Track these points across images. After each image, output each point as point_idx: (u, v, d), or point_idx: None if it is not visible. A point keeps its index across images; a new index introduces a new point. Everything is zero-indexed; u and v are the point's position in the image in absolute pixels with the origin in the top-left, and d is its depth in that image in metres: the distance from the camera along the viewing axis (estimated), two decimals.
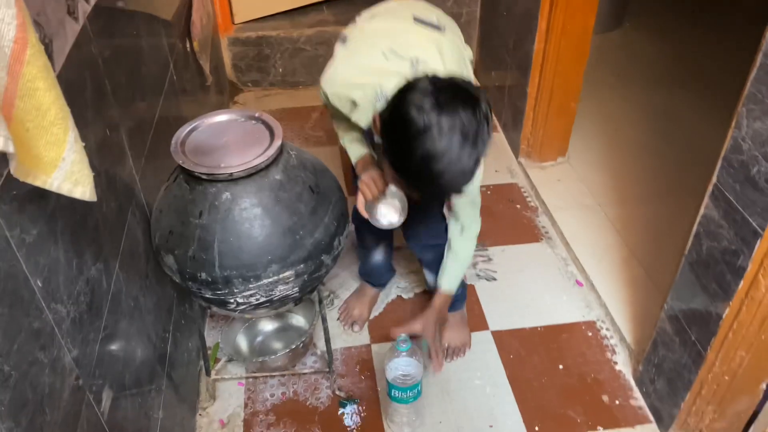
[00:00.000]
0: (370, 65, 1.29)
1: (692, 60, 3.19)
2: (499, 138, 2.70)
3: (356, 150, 1.48)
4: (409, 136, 1.03)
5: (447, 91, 1.04)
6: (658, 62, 3.19)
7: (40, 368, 0.81)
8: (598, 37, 2.31)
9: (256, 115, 1.38)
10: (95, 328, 1.02)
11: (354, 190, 1.56)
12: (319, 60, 3.00)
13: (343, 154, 1.63)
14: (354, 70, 1.33)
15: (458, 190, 1.18)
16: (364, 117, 1.31)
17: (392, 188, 1.37)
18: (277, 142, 1.30)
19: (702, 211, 1.33)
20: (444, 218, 1.63)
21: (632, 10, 3.52)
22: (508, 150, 2.62)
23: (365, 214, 1.40)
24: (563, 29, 2.17)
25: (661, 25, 3.51)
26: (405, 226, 1.48)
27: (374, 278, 1.91)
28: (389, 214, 1.40)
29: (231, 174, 1.24)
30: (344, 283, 2.03)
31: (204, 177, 1.25)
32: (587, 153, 2.54)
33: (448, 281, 1.55)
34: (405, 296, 1.99)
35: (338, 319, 1.90)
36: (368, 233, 1.76)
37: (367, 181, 1.39)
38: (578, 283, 2.02)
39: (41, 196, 0.86)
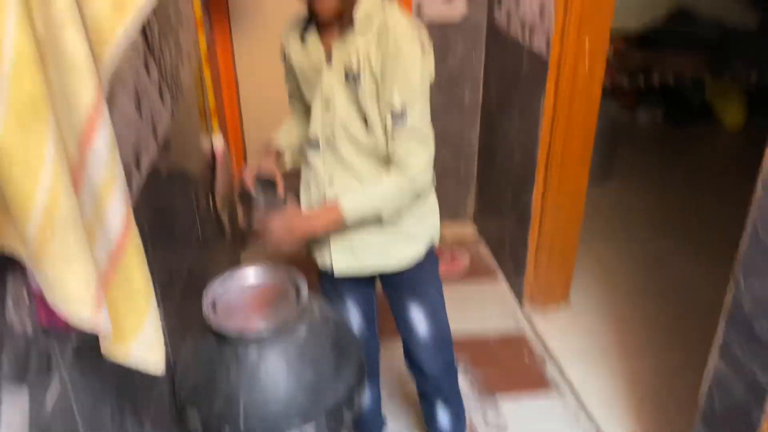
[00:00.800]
0: None
1: (676, 211, 3.38)
2: (502, 285, 2.78)
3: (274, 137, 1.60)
4: None
5: None
6: (646, 214, 3.38)
7: None
8: (591, 190, 2.48)
9: (282, 269, 1.45)
10: None
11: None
12: None
13: None
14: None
15: None
16: None
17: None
18: (304, 299, 1.37)
19: (711, 367, 1.38)
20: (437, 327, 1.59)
21: (619, 166, 3.78)
22: (511, 298, 2.70)
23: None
24: (559, 185, 2.34)
25: (647, 180, 3.75)
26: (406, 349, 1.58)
27: (365, 428, 1.88)
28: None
29: (259, 333, 1.29)
30: None
31: (232, 335, 1.30)
32: (589, 300, 2.62)
33: (350, 199, 1.36)
34: None
35: None
36: None
37: (247, 174, 1.53)
38: None
39: (98, 364, 0.91)
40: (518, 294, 2.65)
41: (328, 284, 1.64)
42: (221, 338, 1.33)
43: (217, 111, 2.40)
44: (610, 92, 3.73)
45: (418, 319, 1.58)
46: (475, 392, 2.18)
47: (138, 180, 1.25)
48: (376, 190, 1.38)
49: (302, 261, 1.58)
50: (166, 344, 1.15)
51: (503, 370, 2.29)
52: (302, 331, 1.35)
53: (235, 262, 2.71)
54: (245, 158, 3.04)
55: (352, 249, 1.50)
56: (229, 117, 2.82)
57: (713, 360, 1.37)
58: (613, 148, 3.68)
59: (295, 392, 1.30)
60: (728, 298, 1.31)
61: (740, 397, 1.29)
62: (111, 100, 0.71)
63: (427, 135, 1.36)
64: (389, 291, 1.60)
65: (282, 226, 1.40)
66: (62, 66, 0.58)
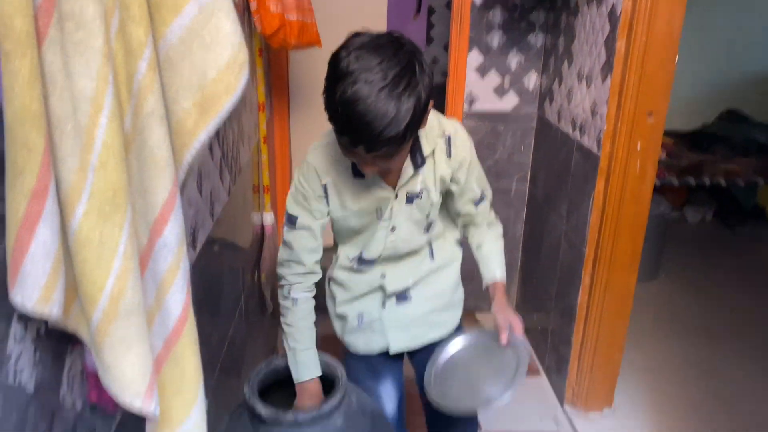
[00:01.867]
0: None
1: (728, 312, 3.26)
2: (542, 382, 2.69)
3: (304, 368, 1.41)
4: (332, 80, 1.10)
5: (377, 40, 1.10)
6: (696, 313, 3.26)
7: None
8: (636, 286, 2.42)
9: (323, 359, 1.45)
10: None
11: None
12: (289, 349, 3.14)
13: None
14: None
15: (381, 136, 1.09)
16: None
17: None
18: (341, 389, 1.35)
19: None
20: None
21: (667, 261, 3.70)
22: (552, 396, 2.60)
23: None
24: (607, 285, 2.30)
25: (694, 279, 3.65)
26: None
27: None
28: None
29: (296, 418, 1.28)
30: None
31: (269, 420, 1.29)
32: (634, 406, 2.50)
33: (500, 269, 1.52)
34: None
35: None
36: None
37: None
38: None
39: None
40: (559, 393, 2.56)
41: (362, 365, 1.61)
42: (257, 421, 1.32)
43: (270, 189, 2.47)
44: (660, 189, 3.70)
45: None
46: None
47: (192, 257, 1.29)
48: (500, 244, 1.57)
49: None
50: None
51: None
52: (338, 419, 1.33)
53: (273, 337, 2.71)
54: None
55: (407, 326, 1.55)
56: (281, 195, 2.91)
57: None
58: (662, 244, 3.61)
59: None
60: None
61: None
62: (181, 189, 0.75)
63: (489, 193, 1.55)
64: (419, 362, 1.59)
65: (513, 315, 1.46)
66: (144, 162, 0.62)
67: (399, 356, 1.62)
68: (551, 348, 2.67)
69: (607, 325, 2.35)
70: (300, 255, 1.41)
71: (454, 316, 1.62)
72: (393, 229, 1.42)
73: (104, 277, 0.58)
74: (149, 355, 0.62)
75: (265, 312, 2.45)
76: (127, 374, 0.60)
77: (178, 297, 0.68)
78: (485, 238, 1.55)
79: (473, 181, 1.46)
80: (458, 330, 1.62)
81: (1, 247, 0.57)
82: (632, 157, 2.12)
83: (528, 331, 2.98)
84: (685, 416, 2.45)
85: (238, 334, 1.88)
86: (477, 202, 1.50)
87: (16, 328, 0.59)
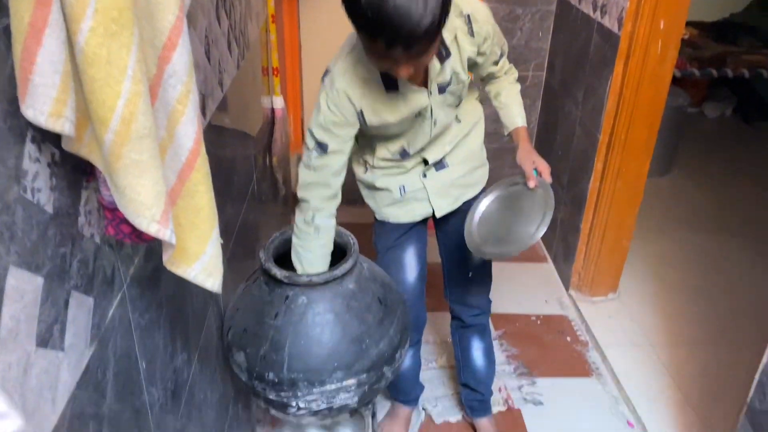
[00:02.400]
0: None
1: (739, 209, 3.25)
2: (549, 269, 2.75)
3: (312, 260, 1.38)
4: None
5: None
6: (706, 209, 3.26)
7: None
8: (648, 180, 2.41)
9: (336, 230, 1.48)
10: (174, 416, 1.06)
11: None
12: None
13: None
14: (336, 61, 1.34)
15: (418, 29, 1.05)
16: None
17: None
18: (354, 255, 1.39)
19: (765, 359, 1.33)
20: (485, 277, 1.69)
21: (681, 158, 3.66)
22: (558, 282, 2.66)
23: None
24: (619, 173, 2.28)
25: (708, 173, 3.62)
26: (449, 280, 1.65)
27: (403, 394, 1.90)
28: None
29: (310, 279, 1.32)
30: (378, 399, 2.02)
31: (285, 280, 1.33)
32: (638, 292, 2.56)
33: (521, 117, 1.55)
34: (437, 421, 1.97)
35: None
36: None
37: None
38: (629, 424, 1.98)
39: (156, 284, 0.95)
40: (566, 279, 2.61)
41: (391, 235, 1.65)
42: (273, 283, 1.36)
43: (279, 73, 2.42)
44: (680, 81, 3.59)
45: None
46: (512, 367, 2.17)
47: (203, 123, 1.28)
48: (519, 98, 1.57)
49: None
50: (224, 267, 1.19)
51: (543, 350, 2.27)
52: (350, 283, 1.37)
53: (286, 222, 2.75)
54: (302, 120, 3.07)
55: (447, 190, 1.59)
56: (290, 80, 2.85)
57: (767, 354, 1.32)
58: (678, 138, 3.56)
59: (339, 344, 1.32)
60: None
61: None
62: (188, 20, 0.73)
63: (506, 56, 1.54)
64: (443, 226, 1.66)
65: (539, 157, 1.49)
66: None
67: (424, 227, 1.66)
68: (560, 237, 2.70)
69: (616, 212, 2.36)
70: (327, 178, 1.37)
71: (485, 172, 1.66)
72: (435, 123, 1.44)
73: (114, 97, 0.57)
74: (163, 182, 0.62)
75: (277, 195, 2.47)
76: (142, 197, 0.61)
77: (189, 129, 0.67)
78: (503, 85, 1.56)
79: (495, 45, 1.45)
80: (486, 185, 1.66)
81: (9, 63, 0.56)
82: (654, 37, 2.04)
83: None
84: (687, 301, 2.51)
85: (251, 213, 1.90)
86: (497, 61, 1.51)
87: (30, 147, 0.59)
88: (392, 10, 1.02)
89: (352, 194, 3.25)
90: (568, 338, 2.34)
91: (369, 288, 1.41)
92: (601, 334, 2.30)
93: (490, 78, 1.57)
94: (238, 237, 1.66)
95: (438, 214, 1.61)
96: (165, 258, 0.71)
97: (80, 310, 0.69)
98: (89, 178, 0.70)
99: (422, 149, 1.51)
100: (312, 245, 1.38)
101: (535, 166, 1.46)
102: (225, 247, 1.51)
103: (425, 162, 1.54)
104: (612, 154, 2.27)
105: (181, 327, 1.10)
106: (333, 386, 1.33)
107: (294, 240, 1.39)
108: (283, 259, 1.46)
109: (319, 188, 1.37)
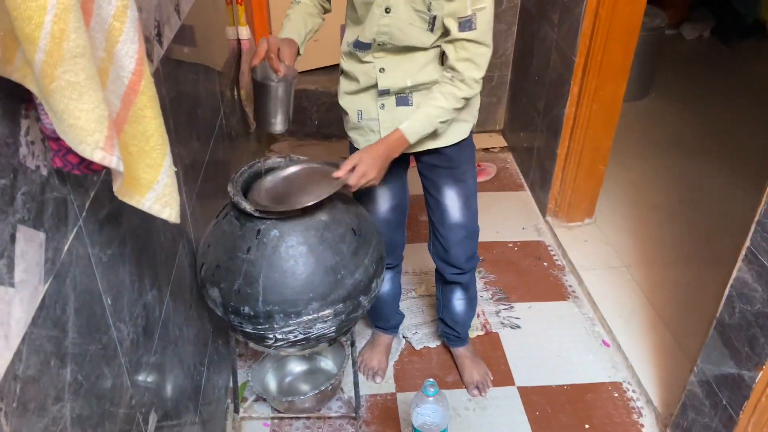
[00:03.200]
0: None
1: (716, 131, 3.26)
2: (526, 196, 2.75)
3: (284, 33, 1.45)
4: None
5: None
6: (683, 132, 3.26)
7: (104, 382, 0.85)
8: (625, 105, 2.38)
9: (309, 160, 1.45)
10: (147, 351, 1.06)
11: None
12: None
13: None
14: None
15: None
16: None
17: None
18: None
19: (735, 273, 1.36)
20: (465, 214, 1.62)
21: (658, 81, 3.63)
22: (535, 208, 2.67)
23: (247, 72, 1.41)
24: (594, 95, 2.25)
25: (685, 95, 3.60)
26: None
27: (383, 321, 1.92)
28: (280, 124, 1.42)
29: (281, 212, 1.30)
30: (358, 329, 2.04)
31: (255, 214, 1.30)
32: (614, 216, 2.58)
33: (408, 125, 1.40)
34: (416, 347, 2.00)
35: (359, 371, 1.89)
36: None
37: (262, 45, 1.36)
38: (605, 343, 2.03)
39: (116, 219, 0.92)
40: (543, 206, 2.62)
41: None
42: (244, 218, 1.34)
43: (243, 1, 2.31)
44: (658, 1, 3.51)
45: (453, 203, 1.60)
46: (490, 292, 2.20)
47: (159, 53, 1.22)
48: (433, 112, 1.40)
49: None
50: (182, 197, 1.17)
51: (521, 275, 2.29)
52: (323, 215, 1.36)
53: (258, 155, 2.70)
54: None
55: None
56: (257, 9, 2.74)
57: (737, 268, 1.34)
58: (655, 61, 3.51)
59: (314, 275, 1.32)
60: (761, 204, 1.26)
61: (762, 305, 1.27)
62: None
63: (488, 48, 1.35)
64: (427, 173, 1.60)
65: (369, 164, 1.37)
66: None
67: (405, 158, 1.56)
68: (536, 164, 2.69)
69: (592, 136, 2.35)
70: None
71: (459, 128, 1.52)
72: (387, 10, 1.34)
73: (40, 12, 0.53)
74: (104, 106, 0.59)
75: (248, 131, 2.41)
76: (82, 122, 0.57)
77: (129, 48, 0.63)
78: (440, 89, 1.40)
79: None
80: (461, 147, 1.55)
81: None
82: None
83: (515, 149, 2.99)
84: (662, 222, 2.54)
85: (220, 148, 1.86)
86: (462, 26, 1.30)
87: None
88: None
89: (329, 129, 3.20)
90: (545, 263, 2.37)
91: (342, 219, 1.40)
92: (578, 258, 2.33)
93: (445, 58, 1.38)
94: (207, 173, 1.63)
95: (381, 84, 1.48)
96: (115, 187, 0.68)
97: (30, 245, 0.66)
98: (28, 106, 0.66)
99: (382, 65, 1.43)
100: (292, 11, 1.48)
101: (356, 166, 1.36)
102: (193, 183, 1.48)
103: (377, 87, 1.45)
104: (588, 77, 2.23)
105: (149, 263, 1.08)
106: (309, 317, 1.33)
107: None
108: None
109: None
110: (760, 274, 1.27)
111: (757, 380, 1.31)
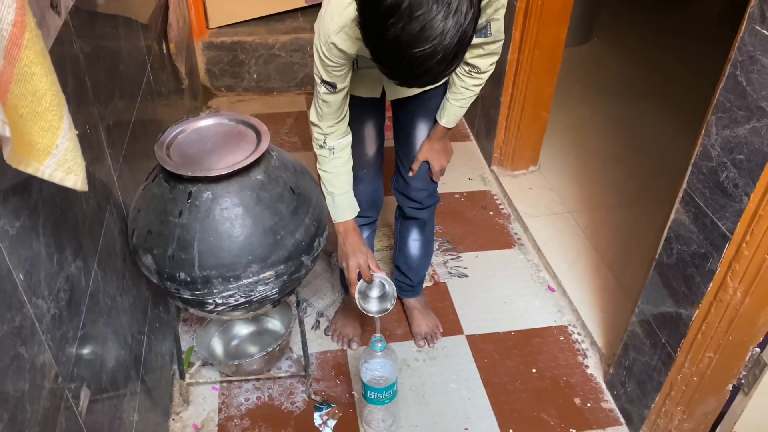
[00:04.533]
0: None
1: (657, 73, 3.30)
2: (471, 146, 2.74)
3: (342, 211, 1.46)
4: (379, 15, 0.92)
5: None
6: (625, 75, 3.29)
7: (21, 364, 0.79)
8: (567, 50, 2.37)
9: (243, 118, 1.38)
10: (74, 326, 1.00)
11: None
12: (294, 67, 3.00)
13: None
14: (336, 7, 1.17)
15: (440, 77, 1.01)
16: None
17: (379, 276, 1.44)
18: (264, 145, 1.30)
19: (672, 216, 1.38)
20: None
21: (600, 25, 3.63)
22: (480, 158, 2.66)
23: (355, 298, 1.44)
24: (536, 41, 2.23)
25: (627, 40, 3.62)
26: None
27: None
28: (379, 304, 1.46)
29: (210, 174, 1.23)
30: (318, 290, 2.03)
31: (185, 176, 1.24)
32: (558, 162, 2.60)
33: (446, 119, 1.53)
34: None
35: (332, 339, 1.87)
36: None
37: (353, 271, 1.44)
38: (550, 288, 2.06)
39: (24, 188, 0.85)
40: (488, 155, 2.61)
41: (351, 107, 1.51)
42: (174, 180, 1.27)
43: None
44: None
45: (421, 135, 1.59)
46: (437, 243, 2.20)
47: (68, 4, 1.12)
48: (464, 103, 1.50)
49: None
50: (107, 159, 1.09)
51: (467, 225, 2.30)
52: (258, 174, 1.30)
53: (192, 111, 2.59)
54: (204, 2, 2.82)
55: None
56: None
57: (675, 210, 1.36)
58: (596, 5, 3.51)
59: (252, 236, 1.27)
60: (697, 147, 1.27)
61: (698, 246, 1.30)
62: None
63: (501, 41, 1.38)
64: (401, 106, 1.58)
65: (438, 157, 1.60)
66: None
67: (382, 103, 1.57)
68: (481, 114, 2.66)
69: (535, 83, 2.33)
70: (339, 105, 1.34)
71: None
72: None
73: None
74: None
75: (180, 87, 2.30)
76: None
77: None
78: (461, 82, 1.46)
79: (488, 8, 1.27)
80: None
81: None
82: None
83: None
84: (604, 167, 2.57)
85: (149, 107, 1.76)
86: (476, 34, 1.27)
87: None
88: (421, 68, 0.96)
89: (268, 83, 3.10)
90: (491, 212, 2.38)
91: (279, 177, 1.34)
92: (523, 206, 2.35)
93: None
94: (135, 133, 1.54)
95: (389, 97, 1.53)
96: (6, 154, 0.61)
97: None
98: None
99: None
100: (331, 166, 1.42)
101: (428, 160, 1.58)
102: (119, 145, 1.40)
103: None
104: (529, 22, 2.19)
105: (70, 233, 1.01)
106: (249, 280, 1.29)
107: (317, 166, 1.44)
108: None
109: (330, 116, 1.36)
110: (696, 216, 1.29)
111: (693, 318, 1.34)
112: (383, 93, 1.52)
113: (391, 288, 1.45)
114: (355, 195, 1.50)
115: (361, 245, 1.47)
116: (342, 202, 1.46)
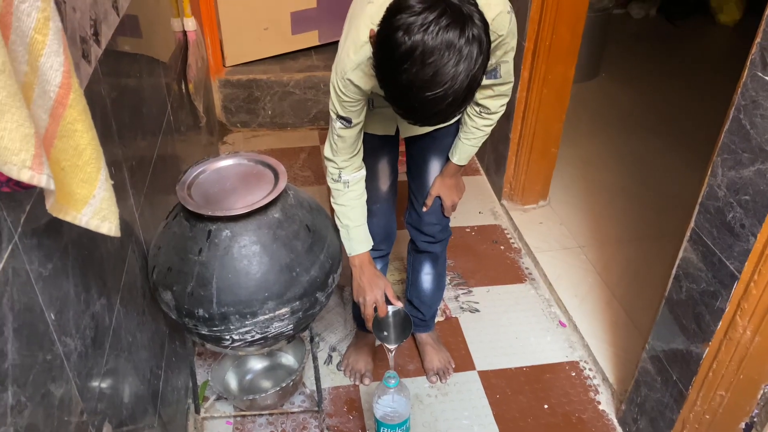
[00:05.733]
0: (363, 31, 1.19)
1: (664, 108, 3.34)
2: (482, 180, 2.78)
3: (358, 244, 1.49)
4: (394, 61, 0.98)
5: (434, 9, 0.97)
6: (632, 110, 3.34)
7: (51, 400, 0.82)
8: (575, 86, 2.42)
9: (261, 158, 1.42)
10: (98, 363, 1.03)
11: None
12: (308, 103, 3.07)
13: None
14: (352, 45, 1.22)
15: (450, 117, 1.07)
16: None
17: (393, 308, 1.49)
18: (282, 184, 1.34)
19: (681, 254, 1.40)
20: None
21: (608, 61, 3.69)
22: (491, 192, 2.70)
23: (371, 330, 1.49)
24: (545, 80, 2.28)
25: (635, 75, 3.68)
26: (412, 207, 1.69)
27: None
28: (395, 336, 1.51)
29: (230, 213, 1.28)
30: (330, 325, 2.05)
31: (205, 215, 1.28)
32: (568, 197, 2.63)
33: (458, 157, 1.57)
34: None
35: (345, 374, 1.87)
36: None
37: (369, 306, 1.47)
38: (561, 323, 2.07)
39: (56, 230, 0.89)
40: (498, 189, 2.65)
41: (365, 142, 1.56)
42: (194, 219, 1.32)
43: None
44: None
45: (434, 171, 1.63)
46: (448, 278, 2.22)
47: (97, 53, 1.18)
48: (476, 142, 1.54)
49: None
50: (129, 199, 1.13)
51: (478, 259, 2.32)
52: (276, 212, 1.34)
53: (212, 152, 2.65)
54: (221, 42, 2.91)
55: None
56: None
57: (683, 249, 1.39)
58: (603, 41, 3.57)
59: (269, 274, 1.30)
60: (704, 186, 1.30)
61: (707, 284, 1.32)
62: None
63: (511, 83, 1.43)
64: (414, 142, 1.63)
65: (450, 193, 1.64)
66: None
67: (396, 139, 1.62)
68: (491, 149, 2.71)
69: (544, 120, 2.38)
70: (353, 142, 1.39)
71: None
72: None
73: None
74: (30, 124, 0.56)
75: (198, 125, 2.36)
76: (6, 142, 0.54)
77: (54, 61, 0.60)
78: (473, 123, 1.51)
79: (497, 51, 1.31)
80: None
81: None
82: None
83: None
84: (613, 201, 2.60)
85: (169, 144, 1.81)
86: (486, 75, 1.33)
87: None
88: (435, 110, 1.01)
89: (282, 118, 3.17)
90: (502, 247, 2.40)
91: (296, 215, 1.38)
92: (533, 241, 2.37)
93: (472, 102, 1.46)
94: (156, 170, 1.59)
95: (403, 135, 1.59)
96: (48, 205, 0.65)
97: None
98: None
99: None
100: (345, 200, 1.45)
101: (440, 195, 1.62)
102: (141, 184, 1.45)
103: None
104: (537, 62, 2.25)
105: (95, 272, 1.05)
106: (266, 316, 1.32)
107: (331, 199, 1.47)
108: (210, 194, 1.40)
109: (345, 151, 1.40)
110: (705, 255, 1.31)
111: (704, 356, 1.36)
112: (397, 131, 1.57)
113: (406, 317, 1.49)
114: (369, 228, 1.53)
115: (378, 278, 1.50)
116: (357, 235, 1.49)
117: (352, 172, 1.44)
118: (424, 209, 1.65)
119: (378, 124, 1.53)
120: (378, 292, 1.47)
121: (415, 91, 0.99)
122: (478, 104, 1.47)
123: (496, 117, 1.50)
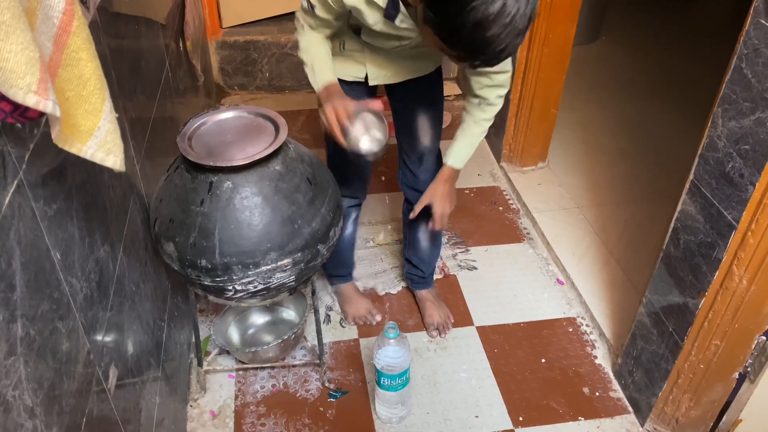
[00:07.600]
0: None
1: (665, 71, 3.32)
2: (481, 143, 2.76)
3: (322, 75, 1.39)
4: (460, 3, 0.98)
5: None
6: (632, 74, 3.32)
7: (59, 337, 0.84)
8: (576, 49, 2.41)
9: (262, 111, 1.42)
10: (103, 307, 1.04)
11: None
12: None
13: (326, 137, 1.62)
14: None
15: (514, 51, 1.07)
16: None
17: (363, 113, 1.30)
18: (283, 136, 1.34)
19: (680, 206, 1.41)
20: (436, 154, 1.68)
21: (608, 24, 3.66)
22: (490, 155, 2.70)
23: (344, 143, 1.31)
24: (545, 39, 2.26)
25: (635, 39, 3.65)
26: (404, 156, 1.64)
27: (344, 267, 1.94)
28: (366, 139, 1.30)
29: (232, 164, 1.28)
30: (326, 286, 2.05)
31: (206, 166, 1.28)
32: (566, 159, 2.63)
33: (454, 159, 1.55)
34: (379, 293, 2.03)
35: (353, 325, 1.91)
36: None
37: (330, 112, 1.30)
38: (559, 281, 2.09)
39: (60, 173, 0.89)
40: (497, 152, 2.65)
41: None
42: (195, 170, 1.32)
43: None
44: None
45: (424, 127, 1.62)
46: (446, 237, 2.23)
47: (95, 1, 1.16)
48: (473, 140, 1.55)
49: None
50: (130, 151, 1.13)
51: (477, 220, 2.33)
52: (277, 165, 1.34)
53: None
54: (217, 3, 2.87)
55: (386, 66, 1.52)
56: None
57: (682, 201, 1.40)
58: (604, 4, 3.53)
59: (270, 225, 1.31)
60: (703, 138, 1.30)
61: (704, 235, 1.33)
62: None
63: (510, 72, 1.43)
64: (401, 100, 1.62)
65: (442, 203, 1.60)
66: None
67: (370, 91, 1.57)
68: None
69: (544, 80, 2.36)
70: (320, 27, 1.37)
71: (437, 61, 1.58)
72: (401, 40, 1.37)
73: None
74: (34, 47, 0.56)
75: (196, 84, 2.35)
76: (11, 64, 0.54)
77: None
78: (471, 116, 1.51)
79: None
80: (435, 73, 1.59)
81: None
82: None
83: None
84: (612, 163, 2.60)
85: (168, 102, 1.81)
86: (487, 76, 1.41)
87: None
88: (498, 49, 1.02)
89: (280, 81, 3.14)
90: (501, 208, 2.41)
91: (297, 168, 1.39)
92: (532, 202, 2.38)
93: (470, 93, 1.48)
94: (155, 128, 1.58)
95: (371, 82, 1.54)
96: (54, 134, 0.66)
97: None
98: None
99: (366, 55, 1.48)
100: (306, 43, 1.40)
101: (430, 204, 1.58)
102: (141, 139, 1.44)
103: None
104: (538, 21, 2.23)
105: (99, 219, 1.06)
106: (268, 267, 1.33)
107: (298, 52, 1.43)
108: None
109: (314, 22, 1.38)
110: (703, 206, 1.32)
111: (700, 306, 1.38)
112: (367, 78, 1.53)
113: (377, 122, 1.31)
114: (346, 176, 1.55)
115: (349, 99, 1.34)
116: (321, 68, 1.40)
117: (319, 30, 1.40)
118: (411, 216, 1.63)
119: (348, 68, 1.51)
120: (346, 102, 1.32)
121: (486, 26, 0.99)
122: (476, 95, 1.48)
123: (494, 110, 1.50)
